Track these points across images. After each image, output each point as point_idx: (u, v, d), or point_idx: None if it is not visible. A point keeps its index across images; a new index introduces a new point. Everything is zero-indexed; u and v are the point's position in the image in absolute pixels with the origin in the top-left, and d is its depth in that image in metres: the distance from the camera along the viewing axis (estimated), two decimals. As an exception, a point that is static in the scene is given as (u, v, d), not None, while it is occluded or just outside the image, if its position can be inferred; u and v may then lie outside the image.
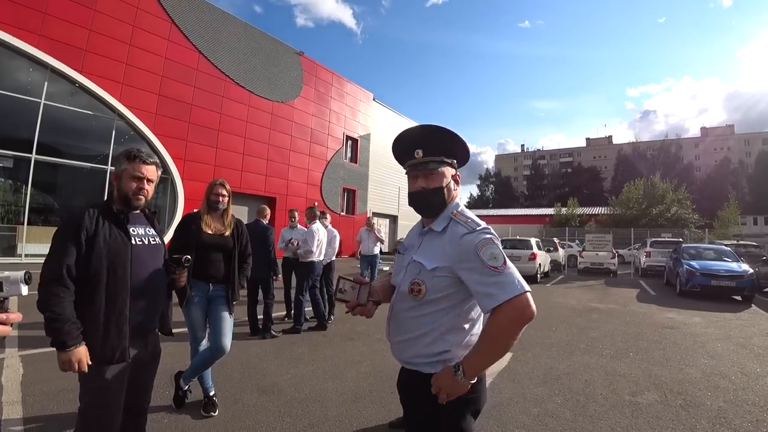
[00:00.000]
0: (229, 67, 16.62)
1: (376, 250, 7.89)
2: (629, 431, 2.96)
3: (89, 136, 12.83)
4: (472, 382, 1.21)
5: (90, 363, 1.62)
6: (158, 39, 14.25)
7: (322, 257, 6.10)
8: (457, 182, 1.39)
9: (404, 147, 1.40)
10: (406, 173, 1.43)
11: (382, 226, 24.18)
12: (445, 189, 1.35)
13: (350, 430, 2.88)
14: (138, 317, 1.81)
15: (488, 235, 1.23)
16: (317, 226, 5.95)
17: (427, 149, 1.34)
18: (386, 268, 11.16)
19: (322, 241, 6.01)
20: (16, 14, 10.85)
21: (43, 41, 11.32)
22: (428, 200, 1.36)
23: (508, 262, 1.21)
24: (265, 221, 5.55)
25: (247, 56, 17.46)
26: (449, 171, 1.36)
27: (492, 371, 4.09)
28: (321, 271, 6.18)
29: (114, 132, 13.05)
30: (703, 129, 70.13)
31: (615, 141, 77.01)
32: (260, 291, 5.53)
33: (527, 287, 1.18)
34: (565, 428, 2.98)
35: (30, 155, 11.36)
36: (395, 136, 1.44)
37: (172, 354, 3.76)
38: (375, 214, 23.74)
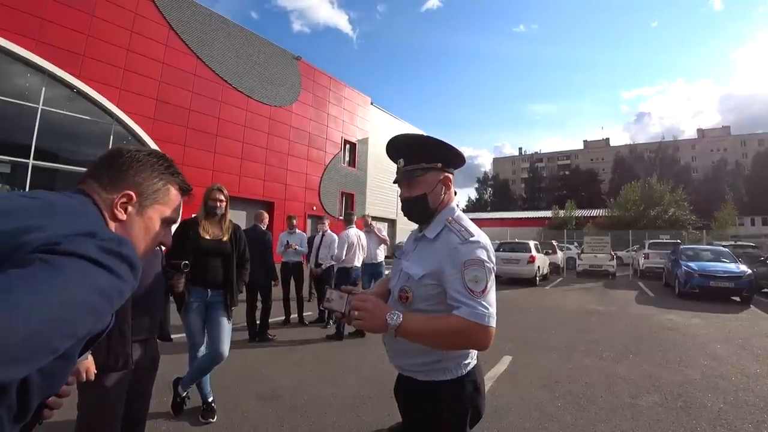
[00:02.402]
0: (226, 72, 16.66)
1: (381, 257, 6.52)
2: (630, 434, 2.95)
3: (87, 141, 12.81)
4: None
5: (95, 371, 1.61)
6: (156, 44, 14.28)
7: (358, 263, 5.95)
8: (447, 186, 1.36)
9: (391, 157, 1.41)
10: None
11: (383, 228, 24.07)
12: (430, 195, 1.33)
13: (350, 435, 2.86)
14: (137, 323, 1.81)
15: (479, 251, 1.20)
16: (349, 231, 5.83)
17: (408, 158, 1.34)
18: (387, 272, 11.11)
19: (353, 245, 5.80)
20: (14, 20, 10.85)
21: (41, 47, 11.32)
22: (412, 208, 1.37)
23: (489, 287, 1.18)
24: (263, 226, 5.54)
25: (244, 61, 17.50)
26: (434, 176, 1.33)
27: (492, 375, 4.08)
28: (359, 276, 6.05)
29: (112, 137, 13.04)
30: (700, 130, 70.59)
31: (612, 143, 77.37)
32: (259, 296, 5.51)
33: (493, 323, 1.15)
34: (565, 432, 2.97)
35: (28, 161, 11.34)
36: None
37: (170, 360, 3.73)
38: (374, 218, 23.69)
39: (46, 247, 0.56)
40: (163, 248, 0.91)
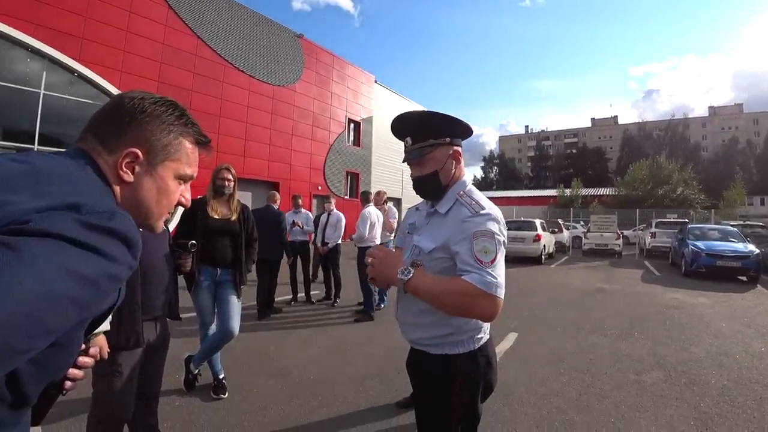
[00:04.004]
0: (228, 52, 16.38)
1: (390, 237, 6.37)
2: (634, 409, 2.99)
3: (91, 124, 12.79)
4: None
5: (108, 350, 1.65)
6: (156, 25, 14.03)
7: (378, 241, 5.78)
8: (457, 160, 1.36)
9: (398, 136, 1.40)
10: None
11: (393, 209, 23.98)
12: (441, 171, 1.33)
13: (358, 410, 2.93)
14: (147, 303, 1.84)
15: (489, 223, 1.21)
16: (370, 209, 5.80)
17: (415, 135, 1.33)
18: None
19: (375, 223, 5.72)
20: (11, 3, 10.66)
21: (39, 30, 11.14)
22: (424, 186, 1.37)
23: (499, 259, 1.18)
24: (276, 206, 5.66)
25: (246, 40, 17.18)
26: (443, 151, 1.33)
27: (498, 351, 4.13)
28: None
29: (115, 120, 12.99)
30: (711, 108, 68.93)
31: (620, 121, 75.90)
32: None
33: (501, 294, 1.15)
34: (570, 407, 3.02)
35: (32, 146, 11.34)
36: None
37: (182, 338, 3.82)
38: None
39: (13, 227, 0.47)
40: (179, 208, 0.71)
